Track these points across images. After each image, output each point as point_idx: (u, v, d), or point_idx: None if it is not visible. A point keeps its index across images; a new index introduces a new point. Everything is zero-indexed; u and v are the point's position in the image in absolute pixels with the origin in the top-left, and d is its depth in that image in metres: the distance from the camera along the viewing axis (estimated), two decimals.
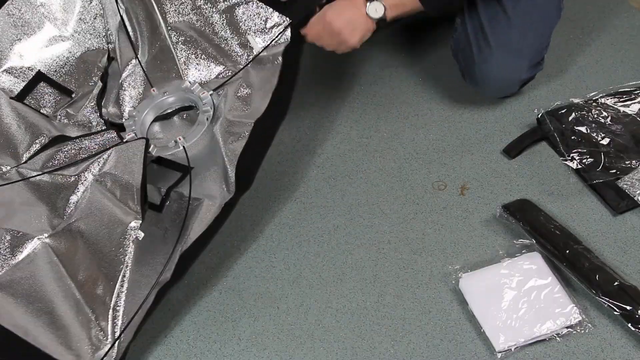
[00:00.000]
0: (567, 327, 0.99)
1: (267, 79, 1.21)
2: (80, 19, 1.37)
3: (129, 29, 1.35)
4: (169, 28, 1.32)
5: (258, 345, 1.04)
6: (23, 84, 1.33)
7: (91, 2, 1.37)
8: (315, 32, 1.19)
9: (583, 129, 1.25)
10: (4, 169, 1.26)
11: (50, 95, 1.35)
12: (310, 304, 1.08)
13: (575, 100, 1.30)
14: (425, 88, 1.41)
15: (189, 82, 1.30)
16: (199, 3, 1.30)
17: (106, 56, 1.39)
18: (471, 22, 1.27)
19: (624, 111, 1.27)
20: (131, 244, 1.11)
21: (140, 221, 1.12)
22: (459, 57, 1.32)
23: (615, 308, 0.98)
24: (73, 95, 1.36)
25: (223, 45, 1.31)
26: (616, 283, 1.00)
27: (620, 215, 1.14)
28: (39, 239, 1.14)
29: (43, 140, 1.28)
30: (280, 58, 1.21)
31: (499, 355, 0.98)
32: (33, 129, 1.28)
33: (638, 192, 1.14)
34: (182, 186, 1.17)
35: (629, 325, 0.97)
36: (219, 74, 1.31)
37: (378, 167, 1.27)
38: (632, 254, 1.09)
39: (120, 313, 1.06)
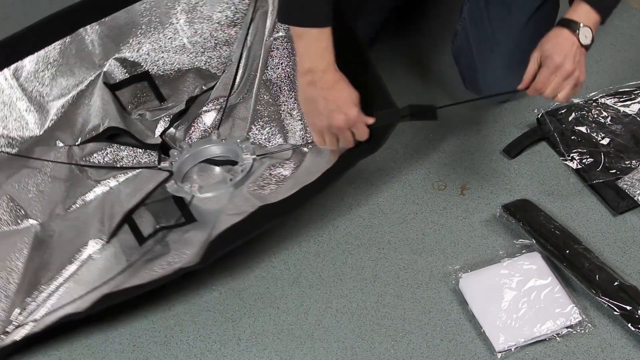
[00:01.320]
0: (567, 327, 0.99)
1: (310, 172, 1.15)
2: (208, 38, 1.35)
3: (241, 67, 1.33)
4: (262, 81, 1.28)
5: (258, 345, 1.04)
6: (126, 75, 1.33)
7: (228, 29, 1.35)
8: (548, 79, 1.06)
9: (583, 129, 1.25)
10: (59, 145, 1.28)
11: (144, 94, 1.35)
12: (310, 304, 1.08)
13: (575, 100, 1.30)
14: (425, 88, 1.41)
15: (247, 138, 1.27)
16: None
17: (213, 84, 1.36)
18: (473, 28, 1.26)
19: (624, 111, 1.27)
20: (77, 261, 1.11)
21: (103, 242, 1.12)
22: (461, 63, 1.32)
23: (615, 308, 0.98)
24: (162, 104, 1.36)
25: (298, 118, 1.27)
26: (616, 283, 1.00)
27: (620, 215, 1.14)
28: (31, 221, 1.17)
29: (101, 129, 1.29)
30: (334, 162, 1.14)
31: (499, 355, 0.98)
32: (103, 116, 1.29)
33: (638, 192, 1.14)
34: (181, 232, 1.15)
35: (629, 325, 0.97)
36: (276, 144, 1.26)
37: (378, 167, 1.27)
38: (632, 254, 1.09)
39: (22, 317, 1.06)
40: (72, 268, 1.11)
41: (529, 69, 1.08)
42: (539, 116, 1.28)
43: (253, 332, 1.06)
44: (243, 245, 1.17)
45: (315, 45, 1.03)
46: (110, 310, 1.04)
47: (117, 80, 1.33)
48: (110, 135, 1.30)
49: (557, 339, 0.99)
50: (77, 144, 1.29)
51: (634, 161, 1.19)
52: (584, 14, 1.06)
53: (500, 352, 0.98)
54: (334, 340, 1.03)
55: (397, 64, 1.47)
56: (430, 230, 1.16)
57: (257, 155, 1.24)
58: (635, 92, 1.30)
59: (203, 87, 1.37)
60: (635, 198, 1.13)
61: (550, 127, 1.25)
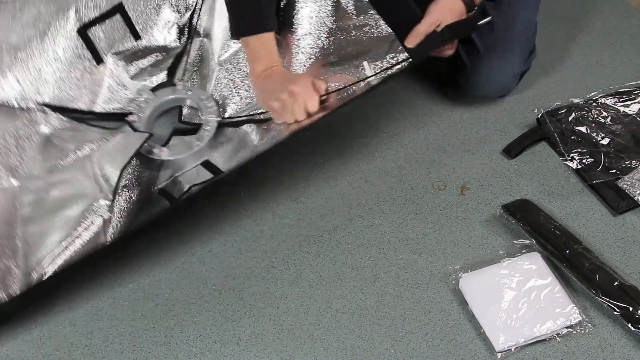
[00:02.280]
0: (567, 327, 0.99)
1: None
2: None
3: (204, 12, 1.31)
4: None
5: (258, 345, 1.04)
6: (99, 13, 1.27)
7: None
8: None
9: (583, 129, 1.25)
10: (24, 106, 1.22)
11: (119, 33, 1.28)
12: (310, 304, 1.08)
13: (575, 100, 1.30)
14: (425, 88, 1.41)
15: (211, 95, 1.26)
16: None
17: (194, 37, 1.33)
18: None
19: (624, 111, 1.27)
20: (96, 220, 1.10)
21: (109, 202, 1.11)
22: (450, 66, 1.33)
23: (615, 308, 0.98)
24: (137, 42, 1.30)
25: None
26: (616, 283, 1.00)
27: (620, 215, 1.14)
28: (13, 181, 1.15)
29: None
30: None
31: (499, 355, 0.98)
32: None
33: (638, 192, 1.14)
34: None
35: (629, 325, 0.97)
36: (240, 100, 1.25)
37: (378, 167, 1.27)
38: (632, 254, 1.09)
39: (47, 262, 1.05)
40: (92, 223, 1.10)
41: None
42: (539, 116, 1.28)
43: (253, 332, 1.06)
44: (243, 245, 1.17)
45: (262, 49, 1.13)
46: (111, 308, 1.05)
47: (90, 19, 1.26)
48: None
49: (557, 339, 0.99)
50: (43, 103, 1.23)
51: (634, 161, 1.19)
52: None
53: (500, 352, 0.98)
54: (334, 340, 1.03)
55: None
56: (430, 230, 1.16)
57: (222, 119, 1.23)
58: (635, 92, 1.30)
59: (178, 23, 1.35)
60: (635, 198, 1.13)
61: (550, 127, 1.25)
